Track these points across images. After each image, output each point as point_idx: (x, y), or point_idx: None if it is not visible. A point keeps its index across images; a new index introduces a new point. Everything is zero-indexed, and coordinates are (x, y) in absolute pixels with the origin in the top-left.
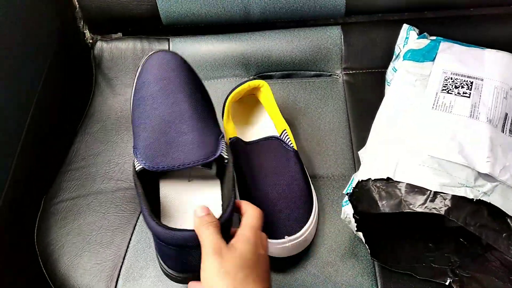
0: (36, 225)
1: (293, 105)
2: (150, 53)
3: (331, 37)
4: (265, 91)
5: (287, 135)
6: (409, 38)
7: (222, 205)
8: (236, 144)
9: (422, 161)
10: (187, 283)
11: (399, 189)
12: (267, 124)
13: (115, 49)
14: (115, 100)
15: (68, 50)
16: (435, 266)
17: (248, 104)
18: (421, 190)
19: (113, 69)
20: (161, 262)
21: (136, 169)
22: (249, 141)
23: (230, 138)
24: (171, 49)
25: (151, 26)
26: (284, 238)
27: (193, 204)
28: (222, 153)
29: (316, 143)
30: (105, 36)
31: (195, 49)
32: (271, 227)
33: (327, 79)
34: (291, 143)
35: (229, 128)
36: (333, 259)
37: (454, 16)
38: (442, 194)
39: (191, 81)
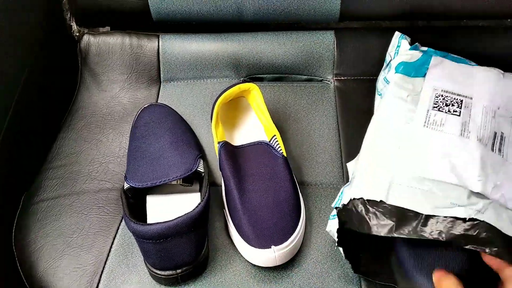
0: (14, 224)
1: (283, 110)
2: (143, 106)
3: (324, 42)
4: (256, 94)
5: (276, 141)
6: (400, 46)
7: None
8: (224, 148)
9: (414, 182)
10: (172, 283)
11: (392, 213)
12: (256, 128)
13: (103, 43)
14: (101, 97)
15: (53, 43)
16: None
17: (237, 107)
18: (414, 215)
19: (100, 64)
20: (146, 263)
21: (125, 188)
22: (238, 145)
23: (219, 142)
24: (160, 45)
25: (141, 21)
26: (270, 247)
27: (174, 207)
28: (198, 169)
29: (305, 149)
30: (92, 29)
31: (185, 47)
32: (258, 236)
33: (318, 84)
34: (281, 149)
35: (218, 132)
36: (319, 270)
37: (447, 27)
38: (434, 217)
39: (171, 122)
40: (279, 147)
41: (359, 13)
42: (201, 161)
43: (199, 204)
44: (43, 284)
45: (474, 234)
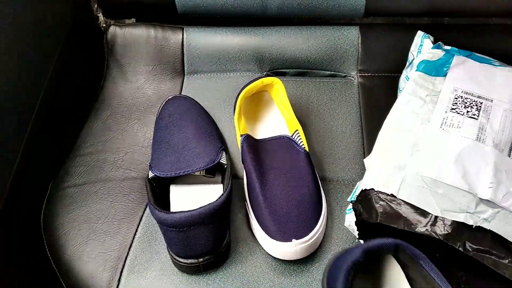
0: (42, 209)
1: (305, 104)
2: (167, 98)
3: (349, 38)
4: (279, 89)
5: (299, 135)
6: (423, 45)
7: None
8: (247, 141)
9: (425, 183)
10: (194, 272)
11: (402, 207)
12: (278, 122)
13: (129, 35)
14: (126, 87)
15: (80, 33)
16: None
17: (260, 101)
18: (422, 212)
19: (126, 55)
20: (169, 251)
21: (149, 177)
22: (260, 139)
23: (241, 135)
24: (184, 38)
25: (165, 13)
26: (291, 241)
27: (197, 197)
28: (221, 161)
29: (327, 145)
30: (118, 21)
31: (209, 40)
32: (279, 229)
33: (342, 80)
34: (303, 144)
35: (241, 125)
36: None
37: (473, 24)
38: (442, 219)
39: (195, 114)
40: (302, 142)
41: (384, 9)
42: (224, 153)
43: (221, 195)
44: (69, 267)
45: (479, 242)
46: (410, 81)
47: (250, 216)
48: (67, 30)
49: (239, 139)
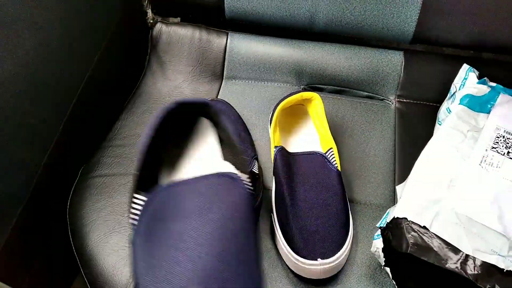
0: (70, 195)
1: (340, 123)
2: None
3: (392, 62)
4: (317, 104)
5: (333, 154)
6: (467, 79)
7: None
8: (280, 153)
9: (460, 220)
10: None
11: (434, 241)
12: (311, 137)
13: (174, 33)
14: (165, 84)
15: (128, 27)
16: None
17: (295, 114)
18: (454, 249)
19: (168, 53)
20: None
21: None
22: (293, 152)
23: (275, 147)
24: (228, 43)
25: (212, 16)
26: (317, 260)
27: None
28: (253, 170)
29: (358, 166)
30: (165, 18)
31: (251, 47)
32: (305, 246)
33: (379, 103)
34: (336, 163)
35: (276, 137)
36: None
37: None
38: (473, 258)
39: (233, 119)
40: (335, 160)
41: (432, 38)
42: (256, 162)
43: (257, 203)
44: (92, 258)
45: (509, 286)
46: (453, 114)
47: (276, 229)
48: (116, 21)
49: (272, 150)
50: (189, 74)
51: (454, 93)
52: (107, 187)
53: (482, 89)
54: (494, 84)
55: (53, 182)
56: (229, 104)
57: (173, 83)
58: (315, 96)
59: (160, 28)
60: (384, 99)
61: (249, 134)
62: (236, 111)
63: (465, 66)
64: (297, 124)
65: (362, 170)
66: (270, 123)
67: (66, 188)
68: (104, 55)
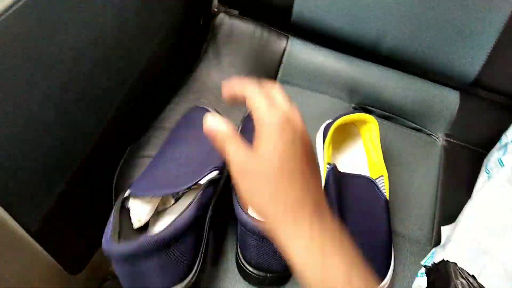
0: (117, 172)
1: (385, 150)
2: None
3: (448, 100)
4: (372, 128)
5: (383, 182)
6: None
7: None
8: (333, 172)
9: (507, 275)
10: (258, 284)
11: None
12: (360, 160)
13: (235, 26)
14: (219, 76)
15: (194, 10)
16: None
17: (345, 133)
18: None
19: (227, 45)
20: (240, 255)
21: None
22: (343, 172)
23: (328, 164)
24: (288, 47)
25: (279, 16)
26: None
27: None
28: None
29: (400, 198)
30: (228, 9)
31: (310, 56)
32: None
33: (426, 138)
34: (385, 191)
35: (329, 153)
36: None
37: None
38: None
39: None
40: (384, 188)
41: (492, 84)
42: None
43: None
44: None
45: None
46: (507, 167)
47: None
48: (183, 3)
49: (325, 167)
50: (244, 69)
51: (505, 144)
52: None
53: None
54: None
55: (104, 155)
56: None
57: (226, 75)
58: (372, 119)
59: (223, 18)
60: (431, 134)
61: None
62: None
63: None
64: (345, 144)
65: (403, 202)
66: (323, 138)
67: (115, 164)
68: (169, 33)
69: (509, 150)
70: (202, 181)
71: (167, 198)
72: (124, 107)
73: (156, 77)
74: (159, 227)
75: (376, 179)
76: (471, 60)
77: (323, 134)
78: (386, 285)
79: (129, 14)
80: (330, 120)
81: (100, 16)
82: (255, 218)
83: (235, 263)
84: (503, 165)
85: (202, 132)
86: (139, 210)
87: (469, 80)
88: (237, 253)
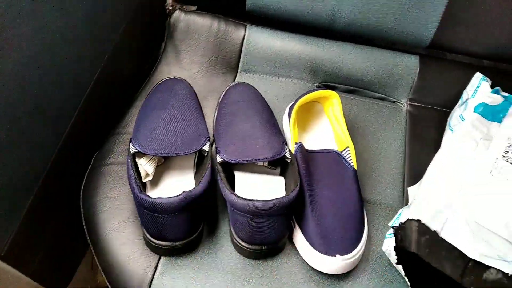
0: (83, 182)
1: (351, 123)
2: (231, 84)
3: (407, 65)
4: (335, 103)
5: (349, 153)
6: (479, 87)
7: (286, 190)
8: (300, 150)
9: (469, 226)
10: (255, 257)
11: (443, 246)
12: (326, 135)
13: (192, 22)
14: (180, 74)
15: (147, 11)
16: None
17: (310, 111)
18: (461, 255)
19: (185, 42)
20: (234, 235)
21: (218, 161)
22: (310, 150)
23: (296, 143)
24: (246, 36)
25: (231, 7)
26: (335, 256)
27: (260, 187)
28: (285, 155)
29: (369, 167)
30: (183, 6)
31: (269, 42)
32: (324, 242)
33: (391, 105)
34: (352, 162)
35: (295, 133)
36: (373, 286)
37: None
38: (480, 264)
39: (260, 104)
40: (351, 159)
41: (449, 45)
42: (287, 147)
43: (293, 190)
44: (106, 246)
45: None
46: (467, 121)
47: (294, 225)
48: (135, 6)
49: (292, 147)
50: (205, 64)
51: (466, 100)
52: (123, 175)
53: (496, 99)
54: (506, 95)
55: (67, 166)
56: (256, 89)
57: (187, 72)
58: (333, 94)
59: (179, 15)
60: (396, 101)
61: (275, 119)
62: (263, 97)
63: (478, 75)
64: (311, 122)
65: (372, 170)
66: (288, 119)
67: (79, 174)
68: (122, 39)
69: (469, 105)
70: (205, 148)
71: (160, 158)
72: (82, 116)
73: (114, 82)
74: (159, 185)
75: (343, 151)
76: (425, 24)
77: (288, 115)
78: (361, 250)
79: (77, 21)
80: (293, 102)
81: (46, 25)
82: (242, 198)
83: (230, 241)
84: (464, 119)
85: (187, 102)
86: (147, 166)
87: (426, 43)
88: (230, 231)
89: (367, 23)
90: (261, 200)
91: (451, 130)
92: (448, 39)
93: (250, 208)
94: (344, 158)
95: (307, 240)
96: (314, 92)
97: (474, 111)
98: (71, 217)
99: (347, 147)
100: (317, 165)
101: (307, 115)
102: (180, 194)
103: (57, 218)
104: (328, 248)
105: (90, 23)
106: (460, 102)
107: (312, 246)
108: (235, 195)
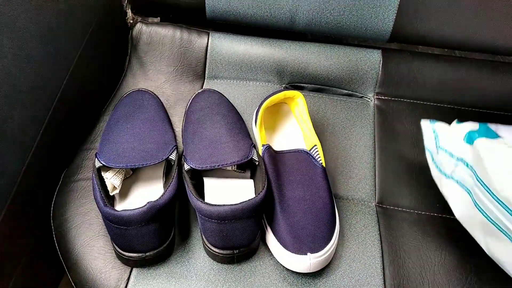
0: (53, 200)
1: (320, 121)
2: (198, 91)
3: (370, 60)
4: (300, 103)
5: (317, 151)
6: (438, 131)
7: (256, 192)
8: (268, 152)
9: None
10: (228, 262)
11: None
12: (295, 135)
13: (154, 33)
14: (146, 85)
15: (108, 27)
16: None
17: (277, 112)
18: None
19: (149, 53)
20: (205, 242)
21: (186, 169)
22: (279, 150)
23: (263, 145)
24: (209, 43)
25: (193, 16)
26: (306, 254)
27: (230, 191)
28: (253, 157)
29: (340, 163)
30: (145, 18)
31: (233, 47)
32: (295, 241)
33: (358, 101)
34: (320, 160)
35: (262, 135)
36: (346, 284)
37: (490, 61)
38: None
39: (226, 109)
40: (319, 157)
41: (409, 37)
42: (255, 150)
43: (260, 191)
44: (78, 262)
45: None
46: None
47: (265, 225)
48: (95, 21)
49: (260, 149)
50: (171, 74)
51: (438, 150)
52: (91, 191)
53: (466, 126)
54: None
55: (35, 188)
56: (222, 94)
57: (154, 83)
58: (297, 94)
59: (140, 28)
60: (363, 96)
61: (244, 122)
62: (229, 101)
63: (425, 123)
64: (280, 123)
65: (343, 166)
66: (255, 122)
67: (49, 192)
68: (83, 56)
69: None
70: (172, 157)
71: (128, 170)
72: (48, 136)
73: (79, 98)
74: (128, 198)
75: (310, 150)
76: (383, 18)
77: (255, 118)
78: (332, 247)
79: (31, 40)
80: (259, 105)
81: None
82: (209, 204)
83: (202, 247)
84: (462, 159)
85: (153, 113)
86: (113, 180)
87: (386, 37)
88: (202, 238)
89: (326, 21)
90: (227, 205)
91: (448, 177)
92: (406, 31)
93: (218, 213)
94: (312, 157)
95: (278, 240)
96: (278, 94)
97: (468, 142)
98: (46, 238)
99: (315, 145)
100: (286, 165)
101: (275, 116)
102: (145, 205)
103: (30, 240)
104: (299, 247)
105: (45, 42)
106: (431, 157)
107: (283, 246)
108: (202, 201)
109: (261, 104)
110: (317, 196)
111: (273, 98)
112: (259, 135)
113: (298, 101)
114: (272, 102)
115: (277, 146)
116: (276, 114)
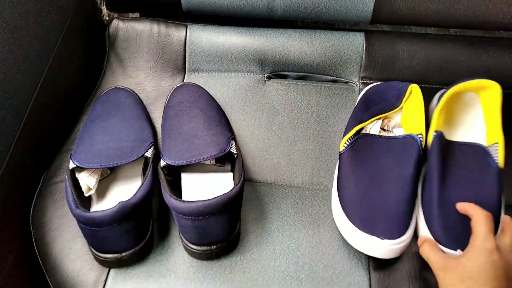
0: (33, 203)
1: (305, 109)
2: (177, 85)
3: (353, 44)
4: (492, 95)
5: (497, 149)
6: None
7: (234, 184)
8: (438, 140)
9: None
10: (206, 258)
11: None
12: (476, 127)
13: (131, 29)
14: (126, 82)
15: (82, 25)
16: None
17: (458, 99)
18: None
19: (127, 50)
20: (182, 238)
21: (161, 165)
22: (452, 141)
23: (436, 131)
24: (188, 35)
25: (170, 9)
26: (456, 250)
27: (208, 186)
28: (231, 150)
29: (325, 150)
30: (122, 14)
31: (212, 39)
32: (448, 236)
33: (343, 86)
34: (498, 159)
35: (438, 121)
36: (330, 275)
37: (482, 37)
38: None
39: (205, 102)
40: (497, 157)
41: (391, 17)
42: (234, 142)
43: (236, 185)
44: (56, 264)
45: None
46: None
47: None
48: (70, 20)
49: (431, 134)
50: (150, 69)
51: None
52: None
53: None
54: None
55: (13, 191)
56: (201, 87)
57: (134, 80)
58: (493, 85)
59: (117, 24)
60: (348, 81)
61: (225, 115)
62: (209, 94)
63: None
64: (459, 112)
65: (328, 154)
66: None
67: (29, 196)
68: (58, 56)
69: None
70: (147, 154)
71: (105, 169)
72: (24, 139)
73: (55, 100)
74: (105, 198)
75: (489, 146)
76: None
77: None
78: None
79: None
80: (444, 90)
81: None
82: (182, 200)
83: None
84: None
85: (130, 110)
86: (88, 180)
87: (368, 18)
88: (179, 235)
89: (304, 6)
90: (200, 201)
91: None
92: (388, 10)
93: (191, 209)
94: (490, 155)
95: (430, 231)
96: (471, 81)
97: None
98: (30, 246)
99: (496, 142)
100: (456, 159)
101: (455, 104)
102: (116, 205)
103: (15, 243)
104: (452, 242)
105: (11, 45)
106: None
107: (434, 236)
108: (174, 198)
109: (449, 88)
110: (484, 198)
111: (463, 85)
112: (436, 120)
113: (490, 93)
114: (463, 90)
115: (453, 137)
116: (456, 102)
